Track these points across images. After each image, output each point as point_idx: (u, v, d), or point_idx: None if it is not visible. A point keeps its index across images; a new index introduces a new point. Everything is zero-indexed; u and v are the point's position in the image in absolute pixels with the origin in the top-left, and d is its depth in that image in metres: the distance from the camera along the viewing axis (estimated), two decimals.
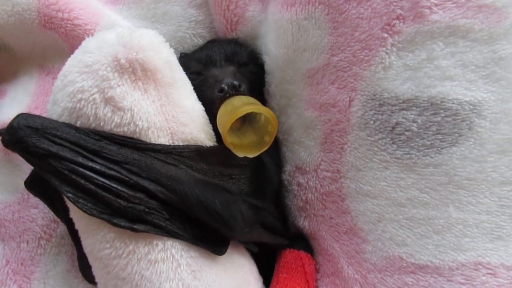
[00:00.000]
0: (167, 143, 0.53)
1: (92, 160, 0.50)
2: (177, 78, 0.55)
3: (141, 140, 0.51)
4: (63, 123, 0.51)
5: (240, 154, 0.54)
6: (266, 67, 0.64)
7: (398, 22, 0.50)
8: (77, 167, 0.50)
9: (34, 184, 0.57)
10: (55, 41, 0.66)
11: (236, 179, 0.56)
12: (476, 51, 0.48)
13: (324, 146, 0.58)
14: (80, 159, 0.50)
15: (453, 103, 0.48)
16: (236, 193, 0.55)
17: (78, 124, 0.51)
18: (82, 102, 0.50)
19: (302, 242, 0.63)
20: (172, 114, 0.53)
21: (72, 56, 0.54)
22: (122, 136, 0.51)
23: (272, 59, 0.63)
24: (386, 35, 0.50)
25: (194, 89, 0.59)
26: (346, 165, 0.56)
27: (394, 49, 0.50)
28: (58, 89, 0.53)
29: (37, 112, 0.64)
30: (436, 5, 0.48)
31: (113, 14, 0.67)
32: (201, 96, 0.59)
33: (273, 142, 0.56)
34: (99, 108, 0.50)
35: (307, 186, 0.61)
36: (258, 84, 0.65)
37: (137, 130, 0.51)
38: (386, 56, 0.50)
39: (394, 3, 0.49)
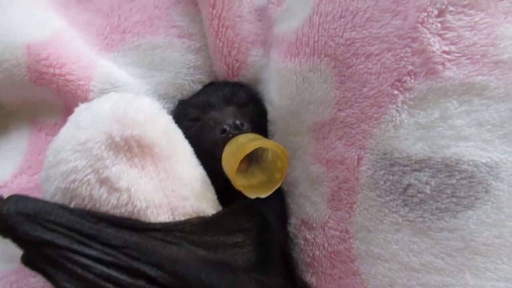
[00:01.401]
0: (168, 220, 0.50)
1: (89, 246, 0.47)
2: (175, 148, 0.53)
3: (139, 221, 0.49)
4: (56, 204, 0.49)
5: (252, 196, 0.52)
6: (269, 116, 0.62)
7: (409, 78, 0.47)
8: (73, 255, 0.47)
9: (31, 260, 0.54)
10: (47, 96, 0.64)
11: (241, 247, 0.54)
12: (493, 110, 0.45)
13: (332, 204, 0.55)
14: (76, 246, 0.47)
15: (468, 165, 0.45)
16: (242, 267, 0.53)
17: (72, 204, 0.49)
18: (76, 182, 0.48)
19: None
20: (171, 188, 0.51)
21: (64, 128, 0.52)
22: (120, 218, 0.49)
23: (276, 109, 0.60)
24: (396, 92, 0.48)
25: (192, 137, 0.57)
26: (355, 225, 0.53)
27: (405, 106, 0.47)
28: (51, 165, 0.50)
29: (29, 172, 0.62)
30: (449, 60, 0.45)
31: (108, 63, 0.64)
32: (202, 142, 0.57)
33: (277, 193, 0.54)
34: (94, 189, 0.48)
35: (314, 243, 0.58)
36: (260, 125, 0.63)
37: (135, 210, 0.49)
38: (397, 114, 0.48)
39: (405, 59, 0.47)
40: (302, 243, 0.60)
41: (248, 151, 0.49)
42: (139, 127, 0.49)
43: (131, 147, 0.49)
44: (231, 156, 0.50)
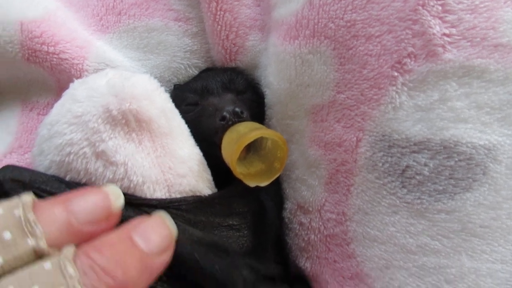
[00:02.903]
0: (164, 197, 0.49)
1: None
2: (173, 126, 0.52)
3: (135, 196, 0.48)
4: (52, 176, 0.48)
5: (252, 184, 0.51)
6: (267, 100, 0.61)
7: (409, 60, 0.47)
8: None
9: None
10: (40, 75, 0.62)
11: (236, 229, 0.53)
12: (492, 92, 0.45)
13: (329, 187, 0.55)
14: None
15: (467, 147, 0.45)
16: (237, 252, 0.52)
17: (67, 178, 0.48)
18: (71, 156, 0.46)
19: (303, 286, 0.60)
20: (168, 165, 0.50)
21: (59, 102, 0.50)
22: None
23: (274, 93, 0.59)
24: (396, 73, 0.47)
25: (191, 121, 0.56)
26: (353, 207, 0.53)
27: (405, 88, 0.47)
28: (44, 139, 0.49)
29: (20, 151, 0.60)
30: (450, 43, 0.45)
31: (103, 44, 0.63)
32: (200, 128, 0.56)
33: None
34: (90, 162, 0.47)
35: (309, 227, 0.58)
36: (258, 112, 0.62)
37: (132, 185, 0.47)
38: (397, 96, 0.48)
39: (406, 40, 0.47)
40: (297, 227, 0.60)
41: (249, 141, 0.48)
42: (136, 102, 0.48)
43: (128, 121, 0.48)
44: (231, 145, 0.49)
